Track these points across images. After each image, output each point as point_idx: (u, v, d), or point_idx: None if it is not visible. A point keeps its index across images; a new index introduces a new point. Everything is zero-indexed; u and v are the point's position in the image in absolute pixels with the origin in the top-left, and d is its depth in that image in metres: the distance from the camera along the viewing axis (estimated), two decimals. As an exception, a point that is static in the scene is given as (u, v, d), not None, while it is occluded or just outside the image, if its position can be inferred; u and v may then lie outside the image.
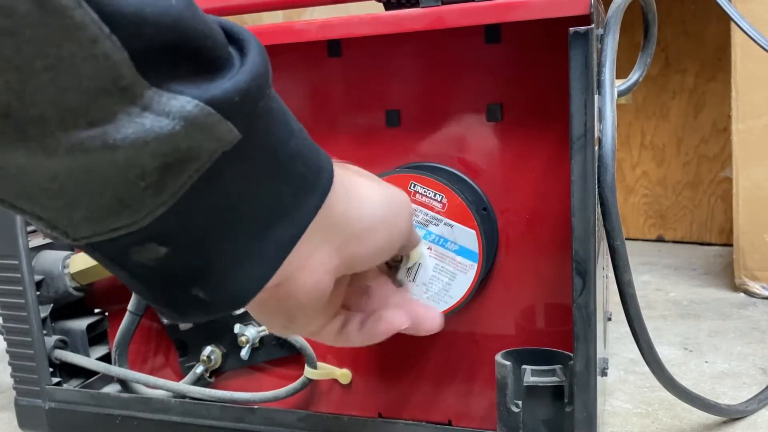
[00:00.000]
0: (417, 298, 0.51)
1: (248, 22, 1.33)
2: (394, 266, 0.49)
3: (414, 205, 0.51)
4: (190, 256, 0.28)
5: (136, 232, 0.26)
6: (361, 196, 0.34)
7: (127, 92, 0.23)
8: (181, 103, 0.24)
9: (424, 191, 0.51)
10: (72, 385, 0.70)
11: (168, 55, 0.24)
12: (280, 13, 1.40)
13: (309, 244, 0.31)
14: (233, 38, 0.27)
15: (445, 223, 0.51)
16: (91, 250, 0.28)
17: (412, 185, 0.51)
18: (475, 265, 0.51)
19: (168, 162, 0.25)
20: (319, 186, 0.31)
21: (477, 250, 0.50)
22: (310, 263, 0.32)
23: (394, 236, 0.37)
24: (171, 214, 0.26)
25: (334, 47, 0.57)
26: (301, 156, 0.30)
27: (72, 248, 0.70)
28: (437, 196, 0.51)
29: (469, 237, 0.51)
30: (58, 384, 0.68)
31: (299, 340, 0.61)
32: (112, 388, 0.71)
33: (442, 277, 0.51)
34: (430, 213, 0.51)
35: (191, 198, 0.26)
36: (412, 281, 0.52)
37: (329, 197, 0.31)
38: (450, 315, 0.51)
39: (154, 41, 0.23)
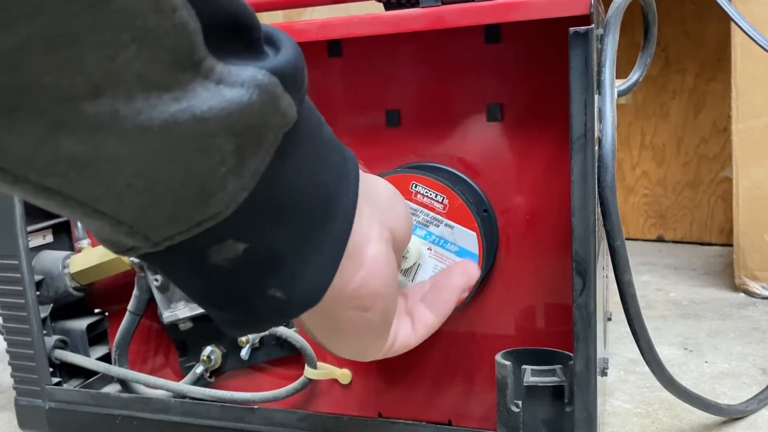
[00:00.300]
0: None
1: (248, 22, 1.32)
2: None
3: (415, 206, 0.51)
4: (266, 252, 0.28)
5: (219, 226, 0.26)
6: (374, 180, 0.36)
7: (201, 66, 0.23)
8: (251, 72, 0.24)
9: (426, 192, 0.51)
10: (72, 385, 0.70)
11: (229, 30, 0.24)
12: (280, 13, 1.40)
13: (362, 223, 0.32)
14: (272, 33, 0.28)
15: (446, 224, 0.51)
16: (167, 256, 0.27)
17: (414, 185, 0.51)
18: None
19: (243, 143, 0.25)
20: (352, 173, 0.32)
21: (477, 252, 0.50)
22: (373, 236, 0.33)
23: (408, 216, 0.38)
24: (249, 204, 0.26)
25: (334, 47, 0.57)
26: (333, 145, 0.31)
27: (72, 249, 0.71)
28: (438, 196, 0.51)
29: (469, 239, 0.51)
30: (58, 384, 0.68)
31: (299, 340, 0.61)
32: (112, 388, 0.71)
33: None
34: (431, 214, 0.51)
35: (266, 184, 0.27)
36: (411, 282, 0.52)
37: (360, 180, 0.33)
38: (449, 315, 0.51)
39: (218, 15, 0.23)
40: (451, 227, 0.51)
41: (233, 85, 0.24)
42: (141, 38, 0.21)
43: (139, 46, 0.21)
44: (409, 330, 0.41)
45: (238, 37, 0.25)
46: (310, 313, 0.31)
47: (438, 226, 0.51)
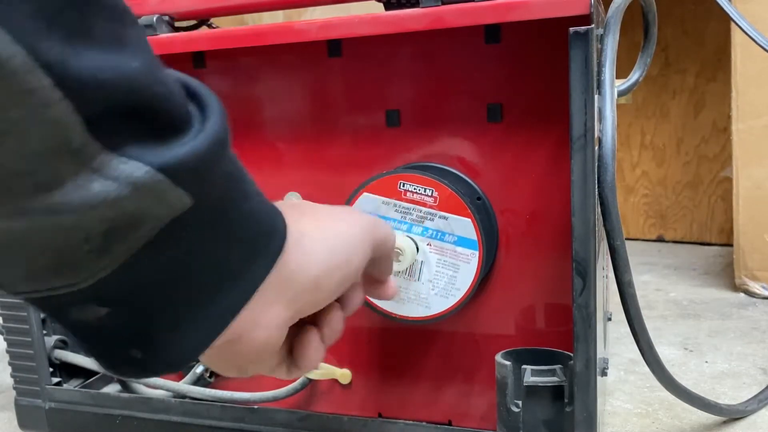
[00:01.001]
0: (425, 294, 0.52)
1: (248, 22, 1.33)
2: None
3: (406, 204, 0.52)
4: (131, 318, 0.28)
5: (76, 292, 0.26)
6: (312, 250, 0.33)
7: (78, 155, 0.23)
8: (131, 168, 0.24)
9: (414, 188, 0.52)
10: (72, 385, 0.70)
11: (124, 119, 0.23)
12: (280, 13, 1.40)
13: (260, 303, 0.31)
14: (194, 97, 0.27)
15: (440, 217, 0.51)
16: (30, 302, 0.27)
17: (401, 185, 0.52)
18: (476, 253, 0.51)
19: (114, 227, 0.24)
20: (271, 248, 0.31)
21: (476, 238, 0.51)
22: (262, 321, 0.31)
23: (349, 275, 0.36)
24: (113, 278, 0.26)
25: (334, 47, 0.57)
26: (254, 218, 0.30)
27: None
28: (427, 191, 0.51)
29: (465, 226, 0.51)
30: (58, 384, 0.68)
31: (299, 340, 0.61)
32: (112, 388, 0.71)
33: (446, 270, 0.52)
34: (424, 209, 0.51)
35: (135, 263, 0.26)
36: (417, 281, 0.52)
37: (280, 257, 0.31)
38: (460, 308, 0.52)
39: (109, 105, 0.23)
40: (446, 218, 0.51)
41: (107, 177, 0.23)
42: (1, 130, 0.21)
43: (2, 137, 0.21)
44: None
45: (142, 124, 0.24)
46: None
47: (432, 219, 0.51)
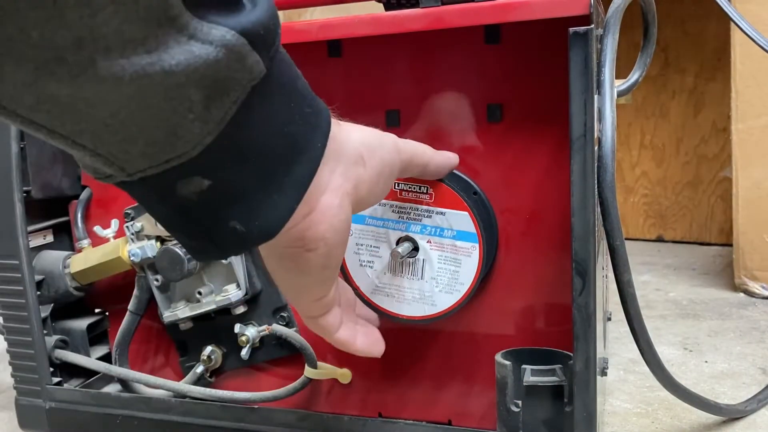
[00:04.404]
0: (429, 292, 0.53)
1: (248, 22, 1.32)
2: (407, 255, 0.51)
3: (403, 204, 0.52)
4: (229, 188, 0.31)
5: (186, 164, 0.29)
6: (349, 130, 0.39)
7: (176, 22, 0.25)
8: (221, 32, 0.27)
9: (408, 187, 0.52)
10: (72, 385, 0.70)
11: None
12: (280, 13, 1.40)
13: (324, 171, 0.35)
14: None
15: (437, 213, 0.51)
16: (140, 185, 0.30)
17: (397, 185, 0.52)
18: (477, 246, 0.51)
19: (210, 94, 0.27)
20: (323, 124, 0.35)
21: (474, 231, 0.51)
22: (330, 186, 0.36)
23: (386, 157, 0.41)
24: (215, 147, 0.29)
25: (334, 47, 0.57)
26: (306, 97, 0.34)
27: (73, 249, 0.71)
28: (422, 188, 0.51)
29: (463, 220, 0.51)
30: (58, 384, 0.68)
31: (299, 339, 0.61)
32: (112, 388, 0.71)
33: (448, 266, 0.52)
34: (421, 207, 0.51)
35: (231, 130, 0.29)
36: (420, 279, 0.52)
37: (330, 131, 0.35)
38: (466, 302, 0.52)
39: None
40: (443, 213, 0.51)
41: (203, 42, 0.26)
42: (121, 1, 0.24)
43: (117, 5, 0.24)
44: (350, 330, 0.45)
45: None
46: (266, 247, 0.36)
47: (430, 216, 0.51)
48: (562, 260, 0.53)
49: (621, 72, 0.57)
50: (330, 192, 0.36)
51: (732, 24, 0.92)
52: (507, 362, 0.48)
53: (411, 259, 0.52)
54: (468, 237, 0.51)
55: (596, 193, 0.46)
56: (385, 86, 0.56)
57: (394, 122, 0.56)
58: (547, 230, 0.54)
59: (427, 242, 0.52)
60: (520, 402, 0.48)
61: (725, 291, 1.11)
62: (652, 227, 1.52)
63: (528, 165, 0.53)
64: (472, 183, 0.54)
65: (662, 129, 1.48)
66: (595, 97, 0.46)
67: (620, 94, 0.66)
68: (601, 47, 0.49)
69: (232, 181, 0.31)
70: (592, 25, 0.44)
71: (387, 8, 0.56)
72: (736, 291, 1.10)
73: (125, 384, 0.69)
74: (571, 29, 0.44)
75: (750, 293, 1.08)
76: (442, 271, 0.52)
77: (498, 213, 0.55)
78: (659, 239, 1.51)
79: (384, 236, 0.53)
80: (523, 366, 0.48)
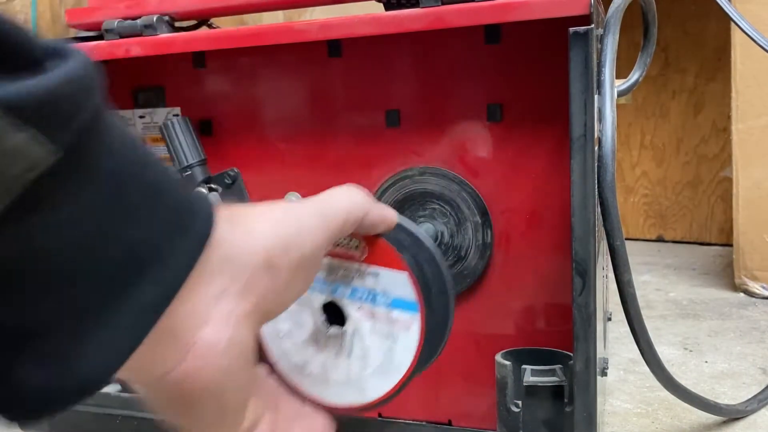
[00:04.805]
0: (357, 376, 0.39)
1: (248, 22, 1.33)
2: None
3: (333, 262, 0.39)
4: (17, 316, 0.22)
5: None
6: (252, 226, 0.28)
7: None
8: None
9: (338, 241, 0.38)
10: (72, 385, 0.70)
11: None
12: (280, 13, 1.40)
13: (201, 294, 0.25)
14: (58, 51, 0.22)
15: (370, 273, 0.38)
16: None
17: None
18: (417, 316, 0.37)
19: None
20: (196, 225, 0.25)
21: (414, 298, 0.37)
22: (215, 314, 0.26)
23: (307, 255, 0.30)
24: None
25: (334, 47, 0.57)
26: (163, 192, 0.25)
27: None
28: (353, 242, 0.38)
29: (399, 282, 0.37)
30: (58, 384, 0.68)
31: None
32: (112, 388, 0.71)
33: (381, 342, 0.38)
34: (353, 265, 0.38)
35: (10, 243, 0.21)
36: (347, 357, 0.39)
37: (212, 234, 0.26)
38: (401, 390, 0.38)
39: None
40: (377, 274, 0.38)
41: None
42: None
43: None
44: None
45: None
46: (140, 390, 0.26)
47: (363, 278, 0.38)
48: (562, 260, 0.53)
49: (621, 72, 0.57)
50: (215, 323, 0.26)
51: (732, 24, 0.92)
52: (507, 362, 0.48)
53: (337, 332, 0.39)
54: (405, 305, 0.38)
55: (596, 193, 0.46)
56: (385, 86, 0.56)
57: (394, 122, 0.56)
58: (547, 230, 0.54)
59: (358, 309, 0.39)
60: (520, 402, 0.48)
61: (725, 291, 1.11)
62: (653, 227, 1.52)
63: (528, 165, 0.53)
64: (417, 233, 0.40)
65: (662, 129, 1.48)
66: (595, 97, 0.46)
67: (620, 94, 0.66)
68: (601, 47, 0.49)
69: (20, 313, 0.22)
70: (592, 25, 0.44)
71: (387, 8, 0.56)
72: (736, 291, 1.10)
73: (125, 384, 0.69)
74: (571, 29, 0.44)
75: (750, 293, 1.08)
76: (373, 350, 0.39)
77: (498, 213, 0.54)
78: (659, 239, 1.51)
79: (306, 300, 0.39)
80: (523, 366, 0.48)
